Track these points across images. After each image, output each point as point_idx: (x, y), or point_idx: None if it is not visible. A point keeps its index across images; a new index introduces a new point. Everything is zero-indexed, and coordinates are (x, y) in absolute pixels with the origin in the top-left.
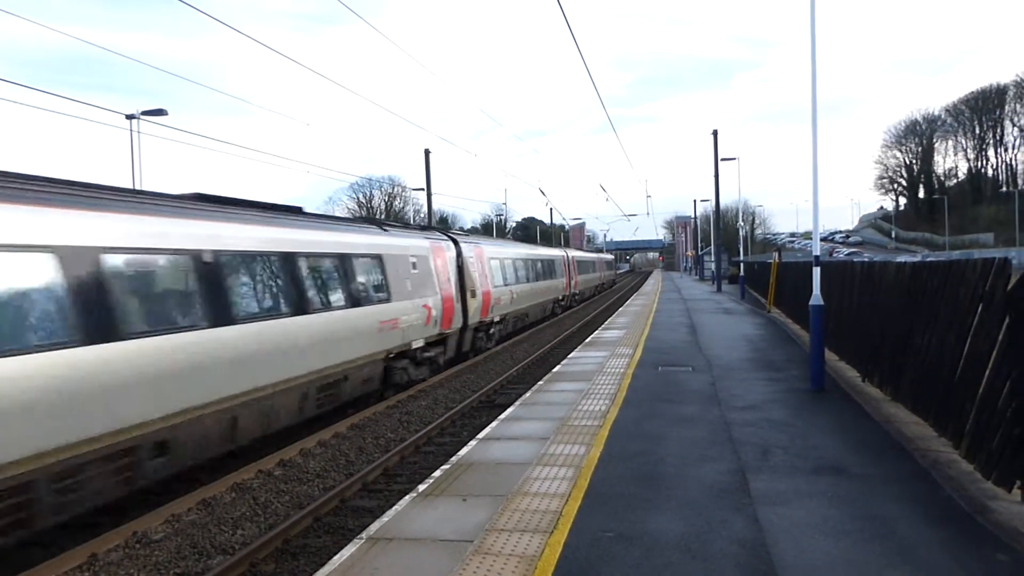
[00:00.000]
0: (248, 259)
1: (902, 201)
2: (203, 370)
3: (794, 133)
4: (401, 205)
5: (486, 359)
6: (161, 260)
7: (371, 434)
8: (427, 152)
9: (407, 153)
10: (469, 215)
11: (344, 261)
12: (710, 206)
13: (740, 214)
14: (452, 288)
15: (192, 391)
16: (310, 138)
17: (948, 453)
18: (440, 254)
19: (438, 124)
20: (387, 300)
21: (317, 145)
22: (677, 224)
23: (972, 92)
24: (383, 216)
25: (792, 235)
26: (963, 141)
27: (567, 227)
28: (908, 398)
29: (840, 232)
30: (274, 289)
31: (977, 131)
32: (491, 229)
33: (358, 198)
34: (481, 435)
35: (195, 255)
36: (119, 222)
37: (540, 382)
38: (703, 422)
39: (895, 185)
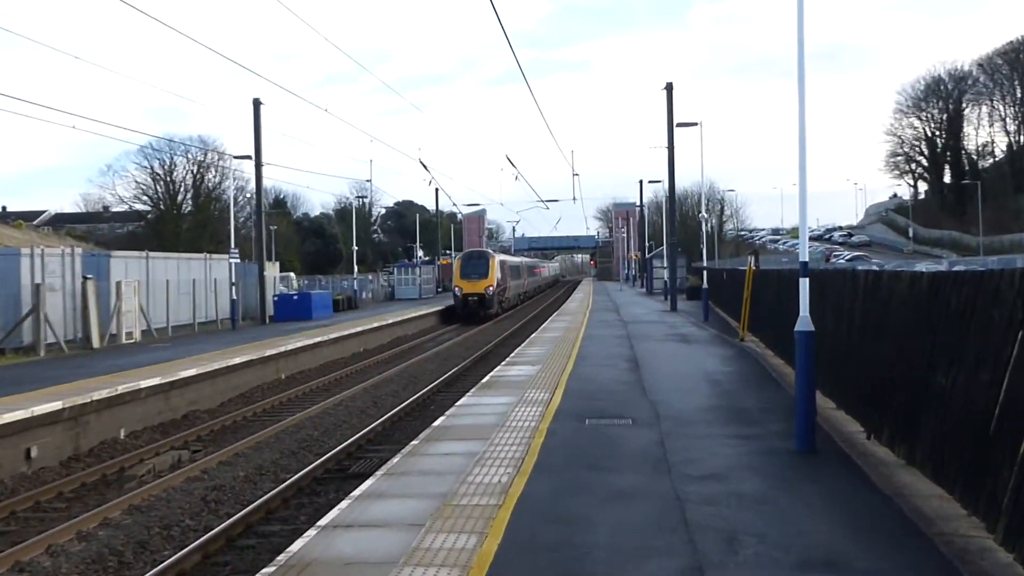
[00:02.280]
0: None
1: (922, 187)
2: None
3: (775, 92)
4: (217, 179)
5: (332, 403)
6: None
7: (158, 518)
8: (256, 105)
9: (228, 106)
10: (318, 196)
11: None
12: (662, 189)
13: (703, 201)
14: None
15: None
16: (79, 78)
17: (980, 538)
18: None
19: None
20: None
21: (89, 89)
22: (616, 214)
23: (1012, 41)
24: (190, 193)
25: (775, 232)
26: (1001, 107)
27: (460, 216)
28: (927, 461)
29: (840, 229)
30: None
31: (1020, 93)
32: (349, 216)
33: (152, 167)
34: (325, 520)
35: (533, 265)
36: (545, 264)
37: (415, 441)
38: (646, 499)
39: (912, 165)
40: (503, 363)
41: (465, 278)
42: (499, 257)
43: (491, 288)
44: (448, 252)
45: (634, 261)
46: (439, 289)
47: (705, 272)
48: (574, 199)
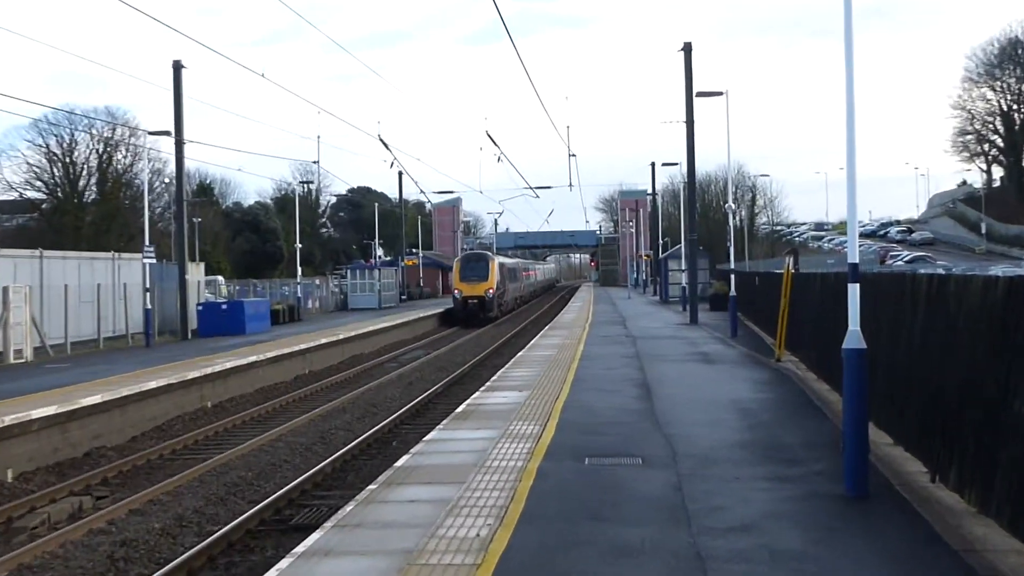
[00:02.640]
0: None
1: (996, 172)
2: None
3: (818, 55)
4: (128, 160)
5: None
6: (531, 272)
7: None
8: (177, 69)
9: (145, 71)
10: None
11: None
12: (679, 174)
13: (730, 189)
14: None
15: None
16: None
17: None
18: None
19: (199, 22)
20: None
21: None
22: (622, 204)
23: None
24: (94, 177)
25: (819, 227)
26: None
27: (429, 206)
28: (1004, 508)
29: (898, 224)
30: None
31: None
32: (291, 206)
33: (47, 146)
34: None
35: (529, 268)
36: (538, 266)
37: (372, 486)
38: (660, 556)
39: (985, 146)
40: (482, 388)
41: (465, 280)
42: (498, 259)
43: (491, 291)
44: (414, 251)
45: (644, 262)
46: (403, 296)
47: (733, 276)
48: (570, 186)
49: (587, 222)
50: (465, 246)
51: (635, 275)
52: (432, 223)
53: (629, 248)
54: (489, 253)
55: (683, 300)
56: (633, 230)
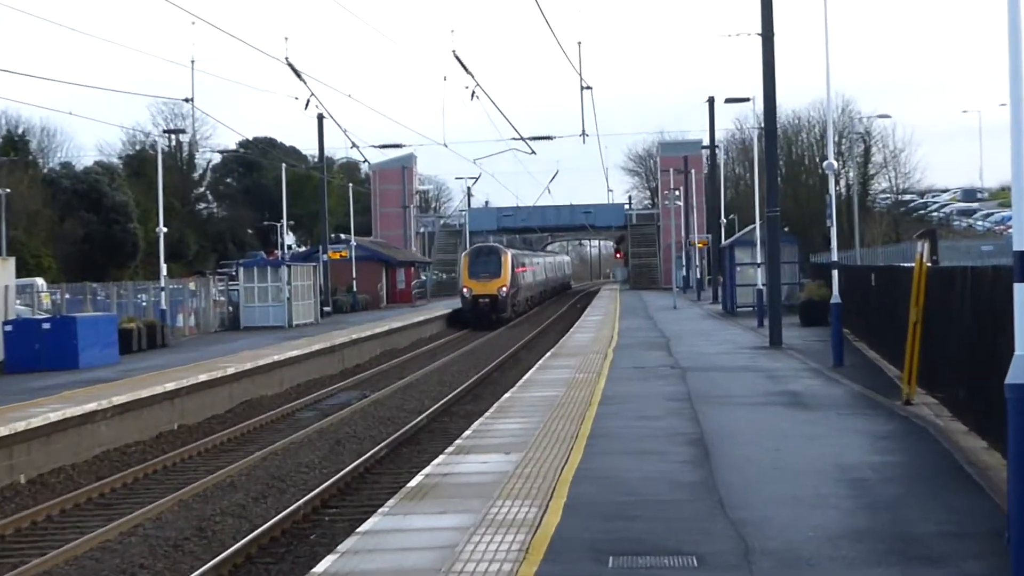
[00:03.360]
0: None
1: None
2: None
3: None
4: None
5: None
6: (537, 261)
7: None
8: None
9: None
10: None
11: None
12: (752, 114)
13: (831, 137)
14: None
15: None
16: None
17: None
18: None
19: None
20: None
21: None
22: (664, 164)
23: None
24: None
25: (969, 195)
26: None
27: (367, 168)
28: None
29: None
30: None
31: None
32: (149, 168)
33: None
34: None
35: (540, 262)
36: (541, 259)
37: None
38: None
39: None
40: (449, 450)
41: (474, 277)
42: (511, 252)
43: (504, 288)
44: (343, 237)
45: (699, 252)
46: (326, 308)
47: (836, 273)
48: (583, 135)
49: (610, 191)
50: (422, 228)
51: (683, 272)
52: (371, 194)
53: (674, 231)
54: (501, 246)
55: (759, 311)
56: (681, 202)
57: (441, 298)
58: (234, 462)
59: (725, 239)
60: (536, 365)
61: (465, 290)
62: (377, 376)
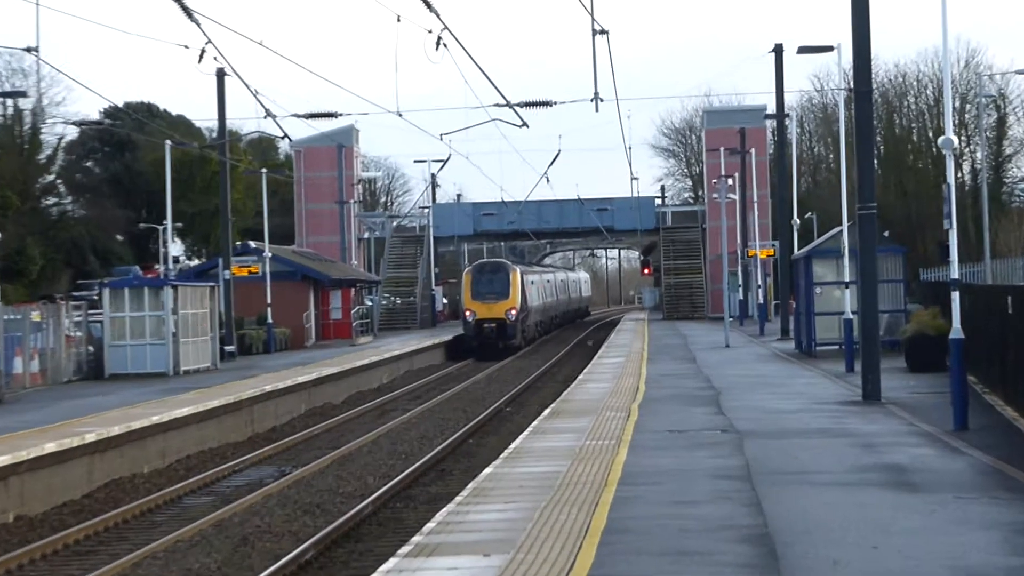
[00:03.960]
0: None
1: None
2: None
3: None
4: None
5: None
6: (548, 279)
7: None
8: None
9: None
10: None
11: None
12: (837, 69)
13: (948, 102)
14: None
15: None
16: None
17: None
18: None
19: None
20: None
21: None
22: (710, 140)
23: None
24: None
25: None
26: None
27: (288, 150)
28: None
29: None
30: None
31: None
32: None
33: None
34: None
35: (551, 280)
36: (548, 273)
37: None
38: None
39: None
40: (407, 549)
41: (479, 298)
42: (520, 268)
43: (513, 311)
44: (253, 246)
45: (760, 267)
46: (229, 348)
47: (957, 296)
48: (597, 100)
49: (634, 179)
50: (367, 232)
51: (739, 295)
52: (295, 185)
53: (726, 237)
54: (509, 263)
55: (847, 350)
56: (735, 195)
57: (393, 332)
58: (92, 571)
59: (799, 248)
60: (530, 428)
61: (468, 313)
62: (302, 444)
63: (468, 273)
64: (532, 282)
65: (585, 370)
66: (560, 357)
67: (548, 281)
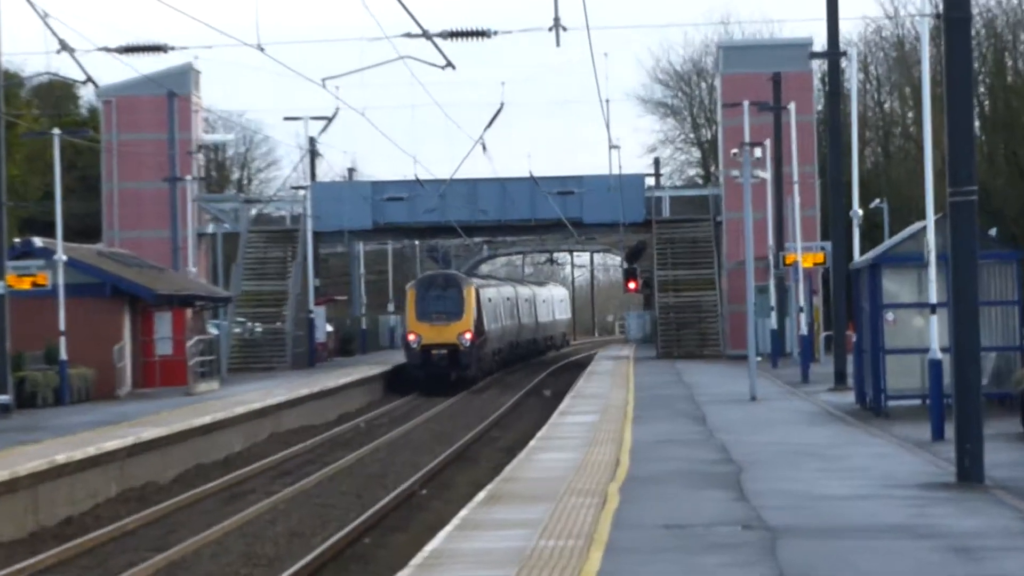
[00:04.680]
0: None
1: None
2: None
3: None
4: None
5: None
6: (508, 296)
7: None
8: None
9: None
10: None
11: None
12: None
13: None
14: None
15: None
16: None
17: None
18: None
19: None
20: None
21: None
22: (727, 89)
23: None
24: None
25: None
26: None
27: (96, 99)
28: None
29: None
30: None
31: None
32: None
33: None
34: None
35: (513, 297)
36: (506, 287)
37: None
38: None
39: None
40: None
41: (425, 319)
42: (476, 283)
43: (467, 335)
44: (39, 244)
45: (803, 279)
46: (3, 397)
47: None
48: (559, 31)
49: (613, 148)
50: (214, 223)
51: (768, 319)
52: (103, 152)
53: (751, 235)
54: (462, 275)
55: (934, 406)
56: (767, 172)
57: (250, 374)
58: None
59: (861, 252)
60: (456, 518)
61: (412, 337)
62: (110, 544)
63: (412, 288)
64: (490, 299)
65: (539, 433)
66: (507, 410)
67: (508, 299)
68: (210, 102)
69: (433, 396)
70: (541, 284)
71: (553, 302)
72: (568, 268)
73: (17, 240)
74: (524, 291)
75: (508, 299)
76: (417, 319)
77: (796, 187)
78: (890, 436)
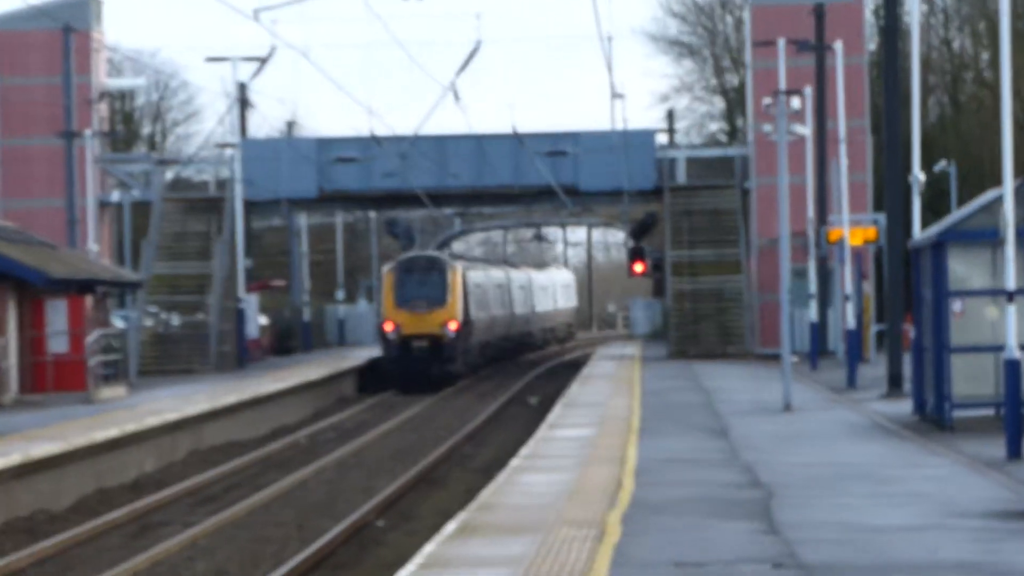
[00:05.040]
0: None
1: None
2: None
3: None
4: None
5: None
6: (500, 282)
7: None
8: None
9: None
10: None
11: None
12: None
13: None
14: None
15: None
16: None
17: None
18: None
19: None
20: None
21: None
22: (758, 27)
23: None
24: None
25: None
26: None
27: None
28: None
29: None
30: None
31: None
32: None
33: None
34: None
35: (505, 282)
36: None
37: None
38: None
39: None
40: None
41: (404, 306)
42: (462, 267)
43: (451, 325)
44: None
45: (851, 260)
46: None
47: None
48: None
49: (617, 97)
50: (120, 189)
51: (807, 310)
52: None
53: (786, 205)
54: (446, 257)
55: (1010, 417)
56: (807, 129)
57: (166, 377)
58: None
59: (924, 226)
60: (421, 554)
61: (389, 327)
62: None
63: (390, 271)
64: (478, 284)
65: (523, 451)
66: (484, 421)
67: (500, 285)
68: (115, 39)
69: (410, 395)
70: (541, 267)
71: (555, 288)
72: (560, 247)
73: None
74: (518, 276)
75: (499, 285)
76: (395, 306)
77: (843, 146)
78: (955, 454)
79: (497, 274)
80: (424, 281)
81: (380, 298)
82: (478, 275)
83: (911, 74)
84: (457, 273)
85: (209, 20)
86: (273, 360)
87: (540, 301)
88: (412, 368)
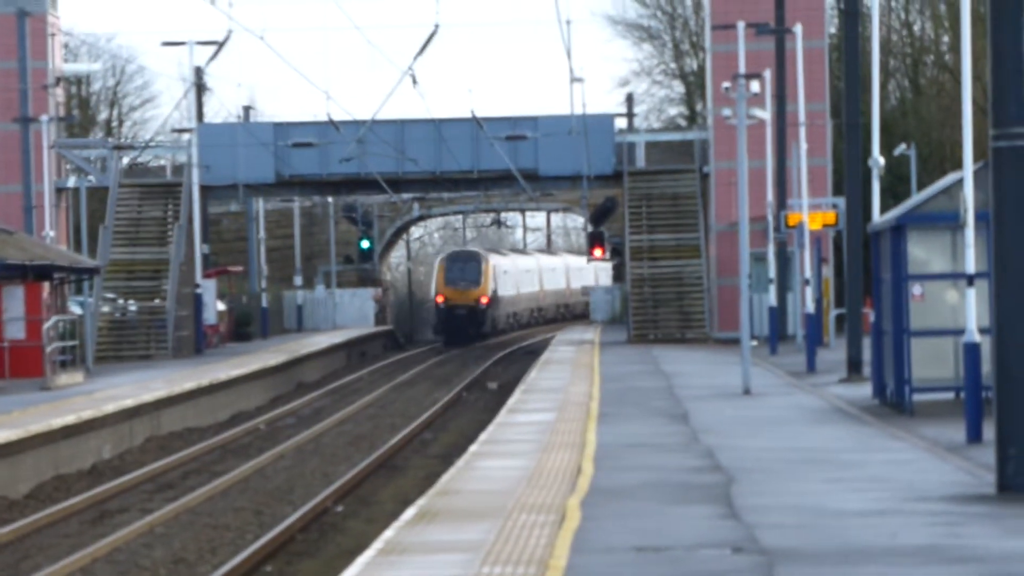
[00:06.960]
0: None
1: None
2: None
3: None
4: None
5: None
6: (527, 268)
7: None
8: None
9: None
10: None
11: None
12: None
13: None
14: None
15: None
16: None
17: None
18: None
19: None
20: None
21: None
22: (718, 8)
23: None
24: None
25: None
26: None
27: None
28: None
29: None
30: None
31: None
32: None
33: None
34: None
35: (537, 266)
36: (528, 257)
37: None
38: None
39: None
40: None
41: (451, 284)
42: (493, 260)
43: (483, 299)
44: None
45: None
46: None
47: None
48: None
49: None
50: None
51: (767, 294)
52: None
53: (746, 190)
54: (482, 251)
55: (970, 400)
56: (766, 112)
57: (123, 363)
58: None
59: (883, 211)
60: (380, 540)
61: (440, 299)
62: None
63: (441, 261)
64: (506, 271)
65: (483, 436)
66: (442, 407)
67: (528, 270)
68: (71, 23)
69: (452, 347)
70: (572, 253)
71: (582, 272)
72: (519, 232)
73: None
74: (550, 261)
75: (528, 270)
76: (445, 284)
77: (802, 130)
78: (915, 438)
79: (525, 262)
80: (465, 268)
81: (433, 279)
82: (506, 264)
83: (871, 57)
84: (489, 264)
85: (165, 4)
86: (231, 346)
87: (574, 280)
88: (454, 327)
